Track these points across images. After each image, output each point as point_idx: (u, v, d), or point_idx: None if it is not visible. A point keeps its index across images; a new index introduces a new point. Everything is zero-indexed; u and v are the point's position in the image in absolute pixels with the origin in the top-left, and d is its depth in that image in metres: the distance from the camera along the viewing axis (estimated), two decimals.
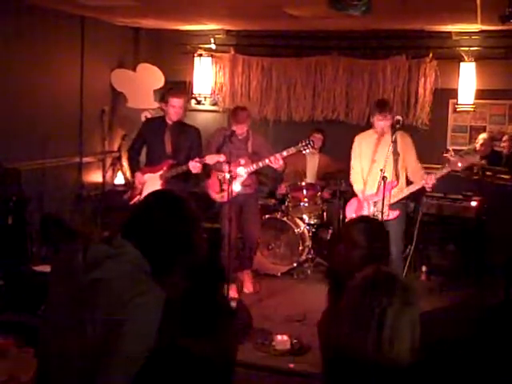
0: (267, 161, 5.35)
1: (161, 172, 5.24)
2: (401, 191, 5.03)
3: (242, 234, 5.84)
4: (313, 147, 5.53)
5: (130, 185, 5.73)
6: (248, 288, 5.81)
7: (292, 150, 5.39)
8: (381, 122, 5.03)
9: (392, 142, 4.82)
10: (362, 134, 5.33)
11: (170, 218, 1.95)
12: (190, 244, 1.98)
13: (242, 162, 5.48)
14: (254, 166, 5.45)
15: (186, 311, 2.20)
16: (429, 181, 4.92)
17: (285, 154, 5.35)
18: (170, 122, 5.31)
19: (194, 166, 5.11)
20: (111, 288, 1.77)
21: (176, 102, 5.23)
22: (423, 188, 5.05)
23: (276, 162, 5.33)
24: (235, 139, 5.47)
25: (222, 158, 5.20)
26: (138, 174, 5.36)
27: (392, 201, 4.92)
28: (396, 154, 4.87)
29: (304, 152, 5.54)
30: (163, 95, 5.41)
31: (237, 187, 5.43)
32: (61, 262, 1.98)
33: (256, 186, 5.81)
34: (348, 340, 1.78)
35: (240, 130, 5.47)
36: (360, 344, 1.74)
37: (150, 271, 1.86)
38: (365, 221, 2.73)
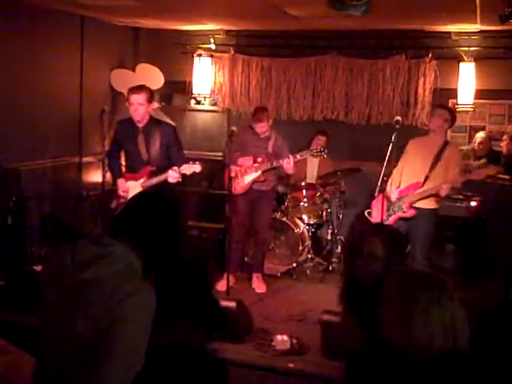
0: (281, 161, 5.51)
1: (142, 180, 5.08)
2: (414, 195, 5.16)
3: (252, 231, 5.93)
4: (325, 153, 5.66)
5: (113, 193, 5.36)
6: (261, 288, 5.84)
7: (305, 155, 5.62)
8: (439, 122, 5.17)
9: (391, 142, 4.86)
10: (416, 139, 5.45)
11: (157, 217, 1.97)
12: (177, 241, 2.00)
13: (259, 159, 5.65)
14: (269, 165, 5.60)
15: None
16: (443, 189, 5.03)
17: (298, 157, 5.56)
18: (139, 125, 5.03)
19: (172, 176, 4.93)
20: (102, 289, 1.77)
21: (133, 99, 4.90)
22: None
23: (288, 163, 5.46)
24: (256, 138, 5.66)
25: (198, 168, 5.00)
26: (121, 181, 5.15)
27: (413, 199, 5.12)
28: (436, 159, 5.07)
29: (314, 158, 5.83)
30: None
31: (246, 180, 5.64)
32: (51, 264, 1.99)
33: (273, 183, 5.86)
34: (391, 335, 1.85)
35: (260, 128, 5.60)
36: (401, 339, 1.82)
37: (140, 269, 1.86)
38: (381, 232, 2.67)
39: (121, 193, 5.14)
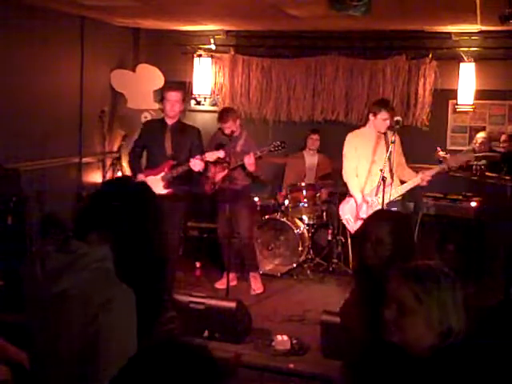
0: (244, 159, 5.55)
1: (162, 174, 5.22)
2: (396, 190, 5.06)
3: (237, 232, 5.92)
4: (284, 148, 5.65)
5: None
6: (258, 288, 5.83)
7: (265, 151, 5.61)
8: (387, 121, 5.06)
9: (391, 142, 4.83)
10: (356, 132, 5.33)
11: (121, 209, 1.86)
12: (149, 233, 1.90)
13: (227, 159, 5.65)
14: (236, 162, 5.65)
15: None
16: (425, 177, 4.98)
17: (258, 153, 5.57)
18: (169, 123, 5.30)
19: (195, 164, 5.13)
20: (77, 300, 1.69)
21: (172, 96, 5.21)
22: (418, 186, 5.11)
23: (248, 159, 5.51)
24: (226, 138, 5.71)
25: (221, 154, 5.27)
26: (141, 177, 5.28)
27: (389, 199, 4.95)
28: (390, 153, 4.91)
29: (276, 153, 5.71)
30: (162, 95, 5.38)
31: (216, 179, 5.78)
32: (24, 276, 1.89)
33: (244, 182, 5.87)
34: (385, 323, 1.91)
35: (226, 129, 5.69)
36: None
37: (112, 268, 1.77)
38: (389, 218, 2.72)
39: None
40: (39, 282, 1.76)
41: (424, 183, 5.08)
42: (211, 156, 5.26)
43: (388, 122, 5.09)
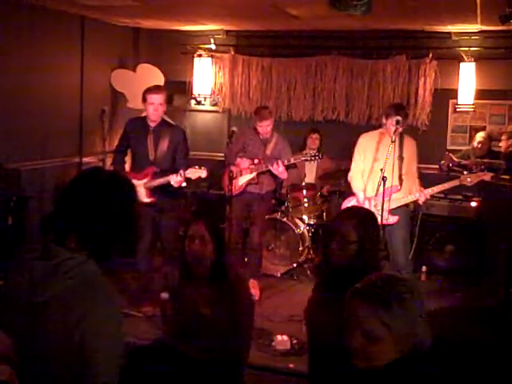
0: (270, 166, 5.42)
1: (145, 180, 5.00)
2: (403, 197, 5.01)
3: (247, 235, 5.86)
4: (320, 158, 5.62)
5: None
6: (256, 294, 5.78)
7: (298, 158, 5.51)
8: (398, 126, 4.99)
9: (392, 142, 4.81)
10: (368, 134, 5.23)
11: (101, 197, 1.79)
12: (125, 223, 1.84)
13: (256, 161, 5.57)
14: (263, 167, 5.50)
15: None
16: (422, 197, 4.96)
17: (292, 160, 5.47)
18: (151, 125, 5.02)
19: (176, 181, 4.88)
20: (60, 307, 1.66)
21: (154, 99, 4.92)
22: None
23: (276, 168, 5.38)
24: (257, 139, 5.61)
25: (204, 174, 4.92)
26: None
27: (393, 206, 4.90)
28: (401, 158, 4.89)
29: (308, 162, 5.73)
30: (143, 95, 5.10)
31: (240, 182, 5.56)
32: (8, 284, 1.85)
33: (268, 187, 5.72)
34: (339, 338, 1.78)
35: (265, 127, 5.53)
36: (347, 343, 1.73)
37: (94, 270, 1.73)
38: (353, 213, 2.71)
39: None
40: (22, 291, 1.72)
41: (420, 202, 5.01)
42: (193, 173, 4.88)
43: (403, 126, 5.01)
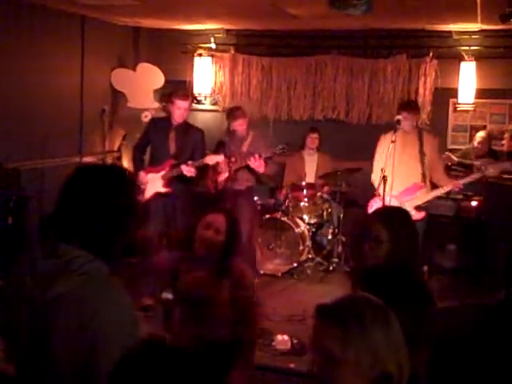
0: (248, 160, 5.53)
1: (163, 172, 5.29)
2: (427, 193, 5.04)
3: None
4: (288, 150, 5.70)
5: None
6: None
7: (269, 153, 5.63)
8: (407, 121, 5.04)
9: (392, 141, 4.81)
10: (388, 133, 5.24)
11: (100, 193, 1.75)
12: (127, 220, 1.80)
13: (233, 159, 5.62)
14: (240, 163, 5.61)
15: None
16: (457, 186, 5.07)
17: (262, 155, 5.53)
18: (174, 123, 5.36)
19: (188, 170, 5.21)
20: (71, 304, 1.63)
21: (182, 104, 5.29)
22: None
23: (254, 161, 5.49)
24: (233, 138, 5.77)
25: (221, 158, 5.31)
26: (142, 174, 5.38)
27: (418, 202, 4.97)
28: (422, 154, 4.96)
29: (279, 154, 5.73)
30: (164, 95, 5.41)
31: (221, 178, 5.71)
32: (10, 284, 1.81)
33: (247, 183, 5.85)
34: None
35: (238, 126, 5.73)
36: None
37: (103, 268, 1.71)
38: (383, 215, 2.68)
39: (139, 184, 5.33)
40: (28, 290, 1.70)
41: (456, 189, 5.16)
42: (211, 159, 5.31)
43: (408, 121, 5.05)
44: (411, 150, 5.10)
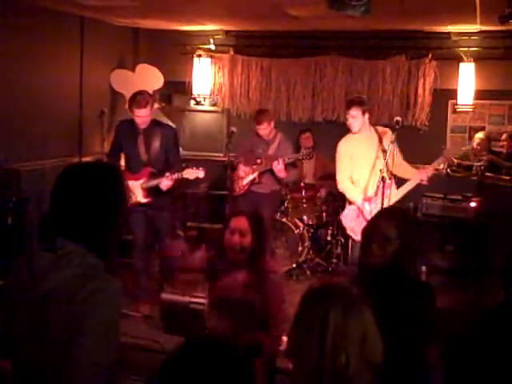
0: (273, 164, 5.50)
1: (141, 181, 5.06)
2: (396, 190, 4.97)
3: None
4: (311, 158, 5.80)
5: None
6: None
7: (292, 158, 5.63)
8: (354, 119, 4.95)
9: (391, 142, 4.80)
10: (346, 137, 5.13)
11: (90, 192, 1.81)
12: (115, 217, 1.85)
13: (258, 161, 5.69)
14: (265, 167, 5.63)
15: None
16: (425, 175, 4.88)
17: (286, 160, 5.53)
18: (141, 127, 5.04)
19: (164, 185, 4.94)
20: (61, 297, 1.68)
21: (139, 113, 4.92)
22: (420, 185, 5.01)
23: (276, 166, 5.47)
24: (260, 140, 5.76)
25: (201, 174, 4.96)
26: None
27: (393, 201, 4.88)
28: (385, 152, 4.77)
29: (303, 161, 5.87)
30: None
31: (244, 181, 5.74)
32: (9, 280, 1.86)
33: (272, 187, 5.81)
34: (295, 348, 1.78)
35: (261, 131, 5.70)
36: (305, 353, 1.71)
37: (95, 262, 1.76)
38: (391, 214, 2.70)
39: None
40: (26, 284, 1.75)
41: (425, 182, 4.90)
42: (191, 174, 4.93)
43: (354, 119, 4.93)
44: (372, 150, 4.94)
